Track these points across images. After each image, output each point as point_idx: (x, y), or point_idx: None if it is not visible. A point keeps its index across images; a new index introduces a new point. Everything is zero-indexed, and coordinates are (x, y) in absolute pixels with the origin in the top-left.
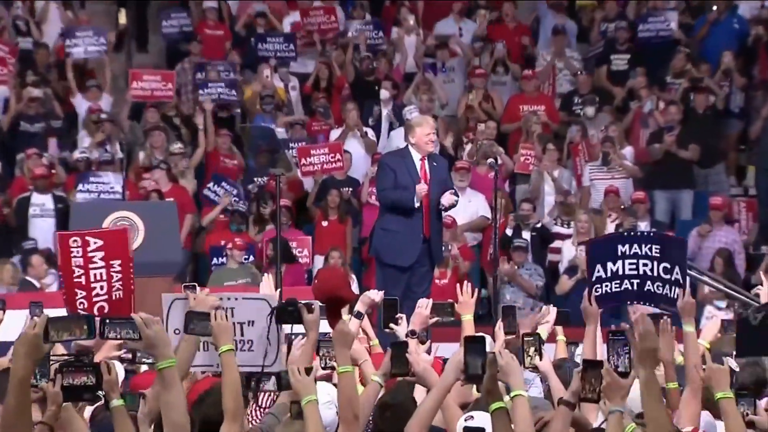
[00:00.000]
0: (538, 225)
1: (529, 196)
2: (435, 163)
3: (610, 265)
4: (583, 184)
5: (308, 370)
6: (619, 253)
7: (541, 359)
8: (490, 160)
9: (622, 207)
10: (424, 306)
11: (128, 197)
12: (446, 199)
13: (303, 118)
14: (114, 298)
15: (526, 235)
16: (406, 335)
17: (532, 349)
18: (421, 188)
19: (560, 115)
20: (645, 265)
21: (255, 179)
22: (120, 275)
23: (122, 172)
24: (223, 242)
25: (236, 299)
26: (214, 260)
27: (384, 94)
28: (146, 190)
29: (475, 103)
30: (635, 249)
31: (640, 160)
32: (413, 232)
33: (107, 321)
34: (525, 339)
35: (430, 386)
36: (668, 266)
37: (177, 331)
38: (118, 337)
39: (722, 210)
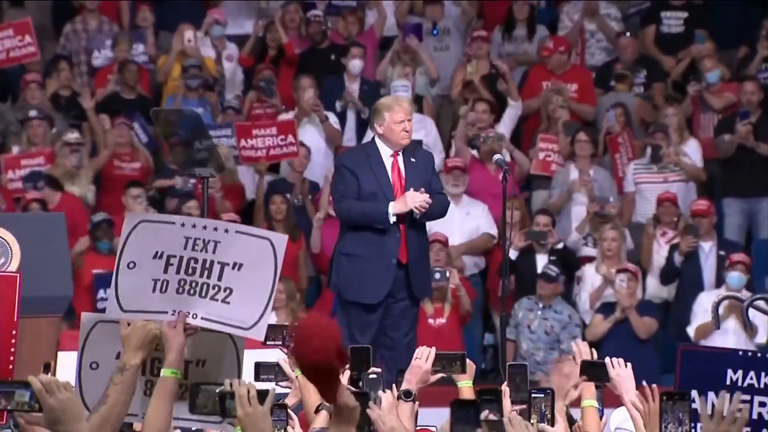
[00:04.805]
0: (560, 246)
1: (547, 207)
2: (413, 159)
3: (711, 396)
4: (626, 190)
5: (262, 396)
6: (728, 382)
7: (553, 423)
8: (497, 157)
9: (679, 220)
10: (423, 357)
11: (3, 208)
12: (411, 198)
13: (234, 103)
14: None
15: (542, 259)
16: (398, 397)
17: (543, 407)
18: (415, 199)
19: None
20: (763, 405)
21: (176, 184)
22: None
23: None
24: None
25: (226, 231)
26: (101, 293)
27: (355, 66)
28: (25, 198)
29: (476, 77)
30: (750, 378)
31: (703, 155)
32: (384, 258)
33: None
34: (533, 396)
35: None
36: None
37: (94, 366)
38: (8, 409)
39: None
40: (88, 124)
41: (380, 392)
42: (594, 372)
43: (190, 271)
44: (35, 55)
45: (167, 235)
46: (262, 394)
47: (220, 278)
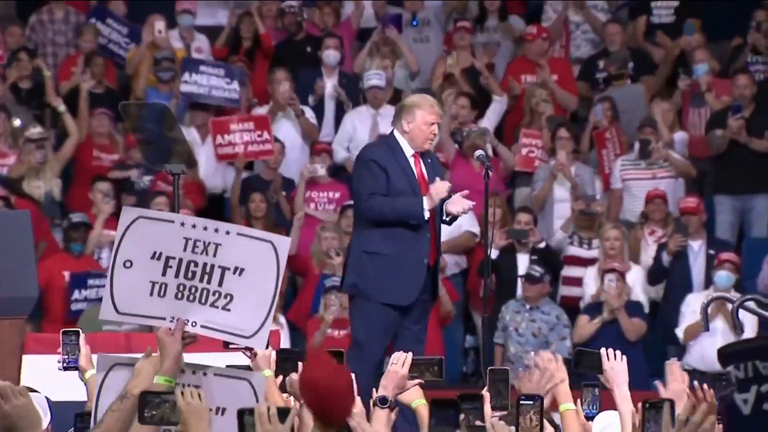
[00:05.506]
0: (542, 245)
1: (528, 204)
2: (429, 160)
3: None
4: (612, 187)
5: (283, 414)
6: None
7: (542, 431)
8: (479, 153)
9: (668, 219)
10: (399, 362)
11: None
12: (456, 204)
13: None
14: None
15: (523, 259)
16: (374, 403)
17: (531, 415)
18: (439, 189)
19: (579, 87)
20: None
21: (134, 180)
22: None
23: None
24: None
25: (227, 233)
26: (76, 294)
27: (329, 57)
28: None
29: (456, 69)
30: None
31: (693, 152)
32: (415, 258)
33: None
34: (521, 403)
35: None
36: None
37: None
38: None
39: None
40: (51, 112)
41: None
42: (588, 362)
43: (189, 275)
44: (1, 60)
45: (166, 235)
46: (283, 413)
47: (220, 284)
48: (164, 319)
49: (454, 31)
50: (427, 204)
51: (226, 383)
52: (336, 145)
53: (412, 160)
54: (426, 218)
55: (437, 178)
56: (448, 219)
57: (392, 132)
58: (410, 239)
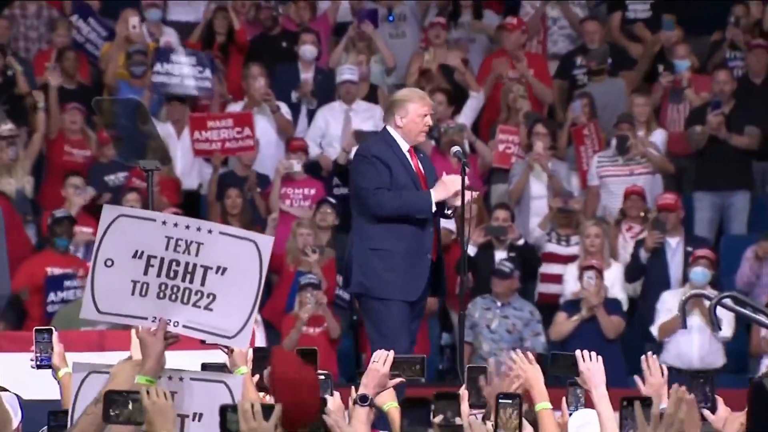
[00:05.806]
0: (520, 242)
1: (505, 201)
2: (421, 155)
3: None
4: (590, 183)
5: (267, 411)
6: None
7: (521, 430)
8: (455, 149)
9: (646, 215)
10: (381, 360)
11: None
12: (451, 181)
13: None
14: None
15: (501, 255)
16: (354, 401)
17: (510, 413)
18: (455, 182)
19: (555, 84)
20: None
21: (106, 177)
22: None
23: None
24: (58, 270)
25: (209, 232)
26: (52, 296)
27: (306, 52)
28: None
29: (433, 65)
30: None
31: (673, 149)
32: (421, 253)
33: None
34: (499, 401)
35: None
36: None
37: None
38: None
39: None
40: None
41: (327, 395)
42: (563, 365)
43: (171, 274)
44: None
45: (147, 234)
46: (267, 409)
47: (203, 283)
48: (146, 318)
49: (430, 27)
50: (435, 197)
51: (203, 387)
52: (308, 140)
53: (408, 155)
54: (433, 211)
55: (448, 174)
56: (450, 212)
57: (385, 128)
58: (415, 234)
